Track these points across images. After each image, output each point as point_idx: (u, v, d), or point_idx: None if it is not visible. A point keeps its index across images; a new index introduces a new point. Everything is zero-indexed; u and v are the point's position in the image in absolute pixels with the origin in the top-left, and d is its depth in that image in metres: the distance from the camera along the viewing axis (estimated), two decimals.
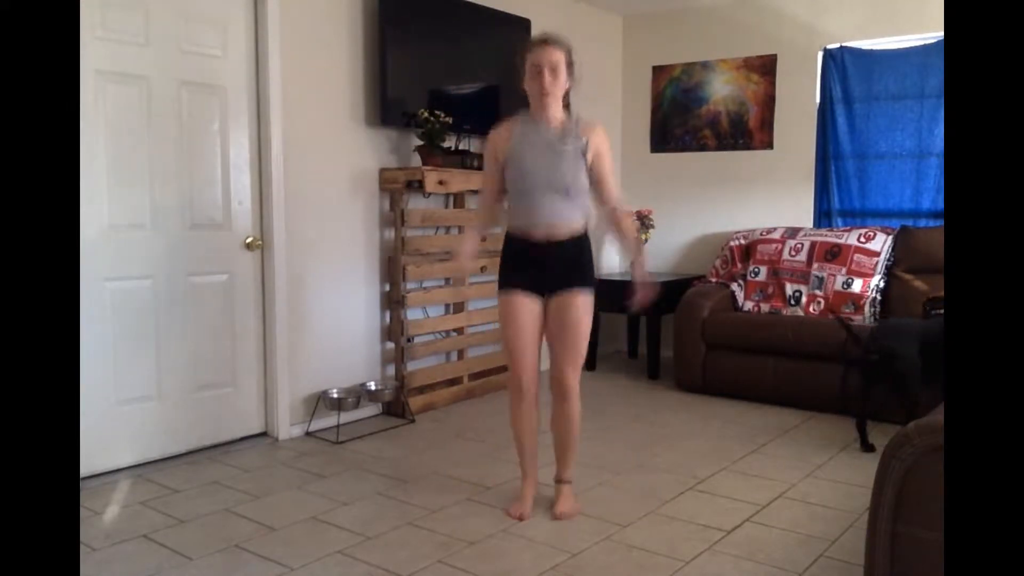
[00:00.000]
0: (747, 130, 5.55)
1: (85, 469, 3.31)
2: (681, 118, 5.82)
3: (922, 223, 4.93)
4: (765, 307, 4.89)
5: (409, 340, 4.38)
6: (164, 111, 3.50)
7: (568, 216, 2.79)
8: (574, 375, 2.88)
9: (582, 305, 2.82)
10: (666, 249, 5.91)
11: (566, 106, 2.85)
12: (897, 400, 3.67)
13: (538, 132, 2.79)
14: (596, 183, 2.85)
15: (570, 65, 2.77)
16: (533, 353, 2.91)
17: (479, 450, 3.76)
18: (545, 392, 3.05)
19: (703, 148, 5.74)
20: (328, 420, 4.08)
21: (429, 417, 4.34)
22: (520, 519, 2.93)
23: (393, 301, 4.34)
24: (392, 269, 4.32)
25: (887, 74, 4.98)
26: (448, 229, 4.61)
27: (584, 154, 2.77)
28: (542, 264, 2.82)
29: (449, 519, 2.95)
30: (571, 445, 2.96)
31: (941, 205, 4.85)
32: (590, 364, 5.50)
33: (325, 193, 4.07)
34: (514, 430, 3.01)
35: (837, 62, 5.14)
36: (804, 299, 4.78)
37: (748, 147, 5.56)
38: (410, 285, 4.37)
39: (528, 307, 2.85)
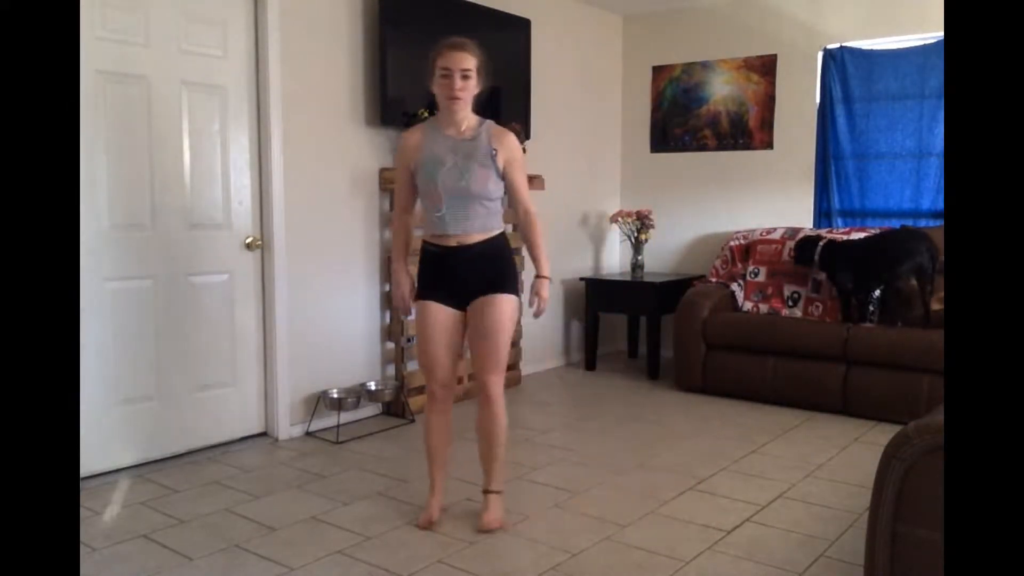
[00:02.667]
0: (747, 130, 5.55)
1: (85, 469, 3.31)
2: (681, 118, 5.82)
3: (922, 223, 4.93)
4: (764, 308, 4.89)
5: (409, 340, 4.38)
6: (164, 111, 3.50)
7: (480, 223, 2.75)
8: (495, 380, 2.81)
9: (500, 310, 2.77)
10: (666, 249, 5.91)
11: (476, 111, 2.81)
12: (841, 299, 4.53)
13: (447, 138, 2.75)
14: (508, 190, 2.81)
15: (480, 70, 2.71)
16: (445, 362, 2.85)
17: (478, 450, 3.76)
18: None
19: (703, 148, 5.74)
20: (328, 420, 4.08)
21: None
22: (426, 526, 2.86)
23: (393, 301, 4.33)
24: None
25: (887, 74, 4.98)
26: None
27: (493, 159, 2.73)
28: (456, 271, 2.78)
29: (449, 519, 2.95)
30: (496, 453, 2.87)
31: (941, 205, 4.85)
32: (590, 364, 5.50)
33: (325, 193, 4.07)
34: (425, 440, 2.94)
35: (837, 62, 5.14)
36: (802, 300, 4.78)
37: (748, 147, 5.56)
38: None
39: (441, 316, 2.80)
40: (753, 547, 2.75)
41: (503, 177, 2.77)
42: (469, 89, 2.70)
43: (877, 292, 4.44)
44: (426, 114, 4.18)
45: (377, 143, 4.30)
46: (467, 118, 2.76)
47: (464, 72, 2.66)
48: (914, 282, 4.37)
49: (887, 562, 1.85)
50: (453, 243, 2.76)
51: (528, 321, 5.22)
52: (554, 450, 3.78)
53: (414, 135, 2.83)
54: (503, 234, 2.85)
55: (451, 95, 2.67)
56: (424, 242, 2.86)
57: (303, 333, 4.03)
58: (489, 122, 2.81)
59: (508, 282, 2.82)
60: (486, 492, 2.91)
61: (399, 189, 2.90)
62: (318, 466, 3.56)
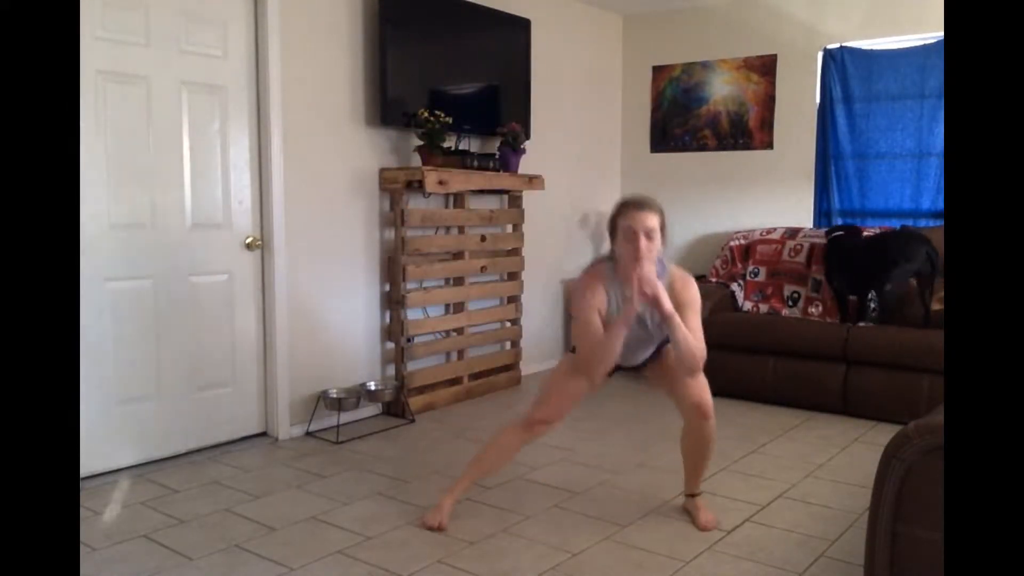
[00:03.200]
0: (747, 130, 5.55)
1: (85, 469, 3.31)
2: (681, 118, 5.82)
3: (922, 223, 4.93)
4: (764, 307, 4.89)
5: (409, 340, 4.38)
6: (164, 111, 3.50)
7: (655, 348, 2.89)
8: (710, 401, 2.89)
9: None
10: (666, 249, 5.89)
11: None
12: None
13: (629, 302, 2.66)
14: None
15: (664, 228, 2.69)
16: (571, 409, 2.97)
17: (478, 450, 3.76)
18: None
19: (703, 148, 5.74)
20: (328, 420, 4.08)
21: (429, 417, 4.34)
22: (437, 528, 2.87)
23: (393, 301, 4.34)
24: (392, 269, 4.32)
25: (887, 74, 4.98)
26: (448, 229, 4.61)
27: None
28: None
29: (449, 519, 2.95)
30: (707, 463, 3.01)
31: (941, 205, 4.85)
32: None
33: (325, 193, 4.07)
34: (491, 453, 2.95)
35: (837, 62, 5.14)
36: (802, 300, 4.78)
37: (748, 147, 5.56)
38: (410, 285, 4.37)
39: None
40: (753, 547, 2.75)
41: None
42: (654, 249, 2.64)
43: (872, 294, 4.46)
44: (426, 114, 4.19)
45: (377, 143, 4.30)
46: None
47: (649, 232, 2.62)
48: (914, 282, 4.38)
49: (887, 562, 1.85)
50: (631, 365, 2.90)
51: (528, 321, 5.22)
52: (554, 450, 3.78)
53: (597, 286, 2.74)
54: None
55: (637, 255, 2.60)
56: None
57: (303, 333, 4.03)
58: (670, 268, 2.76)
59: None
60: (695, 495, 3.00)
61: (595, 332, 2.71)
62: (318, 466, 3.56)
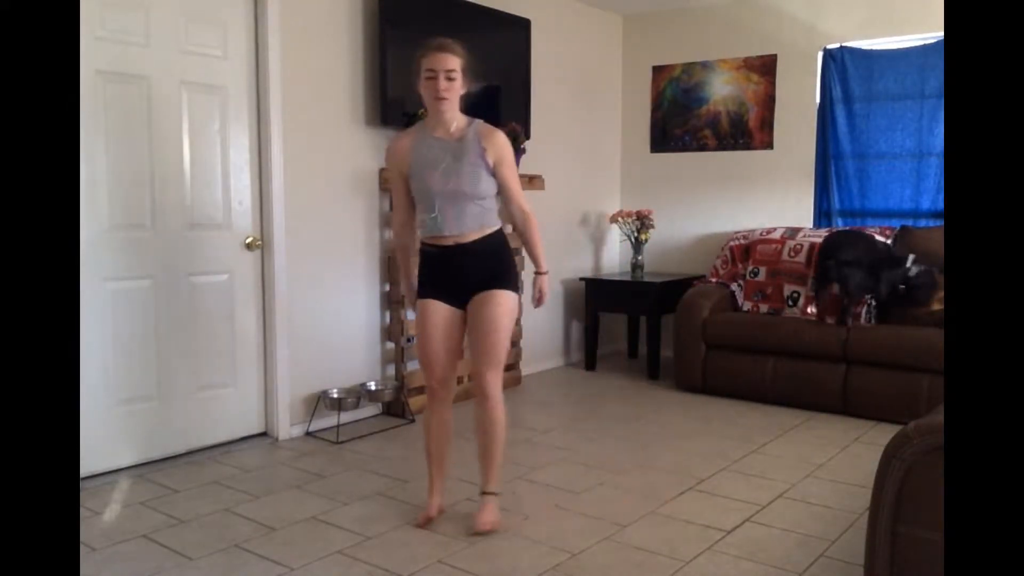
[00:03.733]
0: (747, 130, 5.55)
1: (85, 469, 3.31)
2: (681, 118, 5.82)
3: (922, 223, 4.93)
4: (764, 307, 4.89)
5: (409, 340, 4.38)
6: (164, 111, 3.50)
7: (476, 221, 2.76)
8: (492, 376, 2.81)
9: (499, 305, 2.77)
10: (666, 249, 5.91)
11: (464, 111, 2.81)
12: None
13: (436, 140, 2.75)
14: (501, 189, 2.81)
15: (465, 71, 2.71)
16: (444, 360, 2.86)
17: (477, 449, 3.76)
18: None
19: (703, 148, 5.75)
20: (328, 420, 4.08)
21: None
22: (424, 525, 2.87)
23: (393, 301, 4.34)
24: (392, 269, 4.32)
25: (887, 74, 4.98)
26: None
27: (483, 158, 2.73)
28: (456, 270, 2.79)
29: (449, 519, 2.95)
30: (493, 452, 2.86)
31: (941, 205, 4.85)
32: (590, 364, 5.50)
33: (325, 193, 4.07)
34: (424, 438, 2.95)
35: (837, 62, 5.14)
36: (802, 300, 4.78)
37: (748, 147, 5.56)
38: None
39: (440, 314, 2.82)
40: (753, 547, 2.75)
41: (494, 176, 2.77)
42: (455, 90, 2.69)
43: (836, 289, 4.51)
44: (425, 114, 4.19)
45: (377, 143, 4.30)
46: (455, 119, 2.76)
47: (448, 73, 2.66)
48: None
49: (887, 562, 1.85)
50: (450, 243, 2.77)
51: (528, 321, 5.22)
52: (554, 450, 3.78)
53: (403, 140, 2.83)
54: (500, 231, 2.86)
55: (437, 95, 2.67)
56: (422, 243, 2.86)
57: (303, 333, 4.03)
58: (478, 121, 2.81)
59: (507, 278, 2.83)
60: (483, 493, 2.90)
61: (397, 196, 2.90)
62: (318, 466, 3.56)
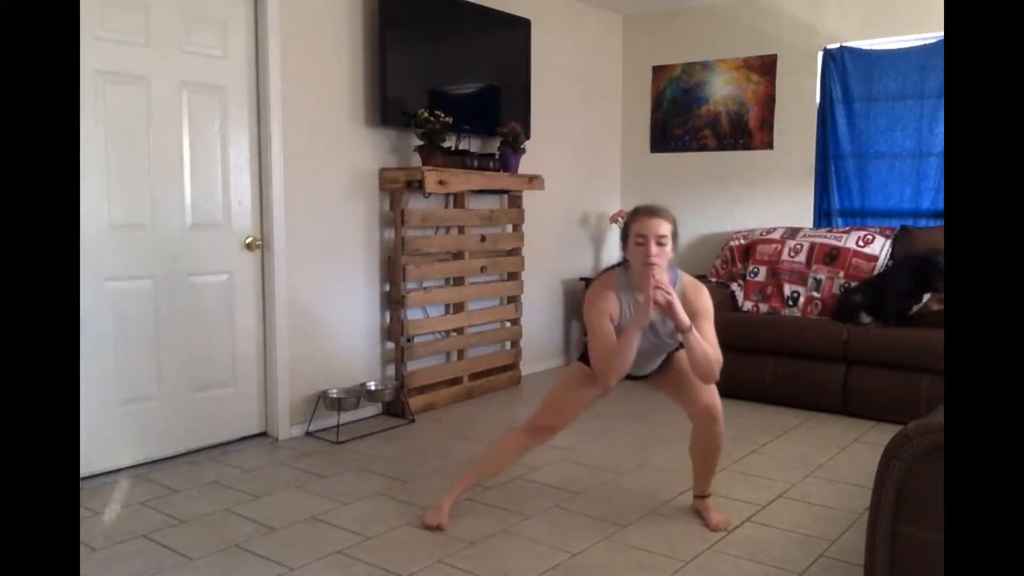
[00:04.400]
0: (747, 130, 5.55)
1: (85, 469, 3.31)
2: (681, 118, 5.82)
3: (922, 223, 4.93)
4: (764, 307, 4.89)
5: (409, 340, 4.38)
6: (164, 111, 3.50)
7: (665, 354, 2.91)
8: (719, 402, 2.88)
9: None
10: (676, 256, 5.90)
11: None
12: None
13: (642, 309, 2.67)
14: None
15: (675, 236, 2.70)
16: (576, 415, 3.01)
17: (479, 450, 3.76)
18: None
19: (703, 148, 5.74)
20: (328, 420, 4.08)
21: (429, 417, 4.34)
22: (436, 527, 2.88)
23: (393, 301, 4.34)
24: (392, 269, 4.32)
25: (887, 74, 4.98)
26: (448, 229, 4.61)
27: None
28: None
29: (449, 519, 2.95)
30: (716, 465, 3.02)
31: (941, 205, 4.85)
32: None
33: (325, 193, 4.07)
34: (495, 454, 2.97)
35: (837, 62, 5.14)
36: (802, 300, 4.78)
37: (748, 147, 5.56)
38: (410, 285, 4.37)
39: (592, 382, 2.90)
40: (753, 547, 2.75)
41: None
42: (665, 255, 2.65)
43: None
44: (426, 114, 4.19)
45: (377, 143, 4.30)
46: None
47: (660, 239, 2.63)
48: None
49: (887, 562, 1.85)
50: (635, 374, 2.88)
51: (528, 321, 5.22)
52: (554, 450, 3.78)
53: (608, 294, 2.74)
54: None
55: (647, 262, 2.62)
56: None
57: (303, 333, 4.03)
58: (682, 278, 2.77)
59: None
60: (705, 496, 3.00)
61: (606, 337, 2.71)
62: (318, 466, 3.56)
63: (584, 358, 2.88)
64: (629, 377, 2.84)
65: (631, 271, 2.74)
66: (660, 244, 2.63)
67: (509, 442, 2.95)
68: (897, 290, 4.39)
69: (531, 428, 2.92)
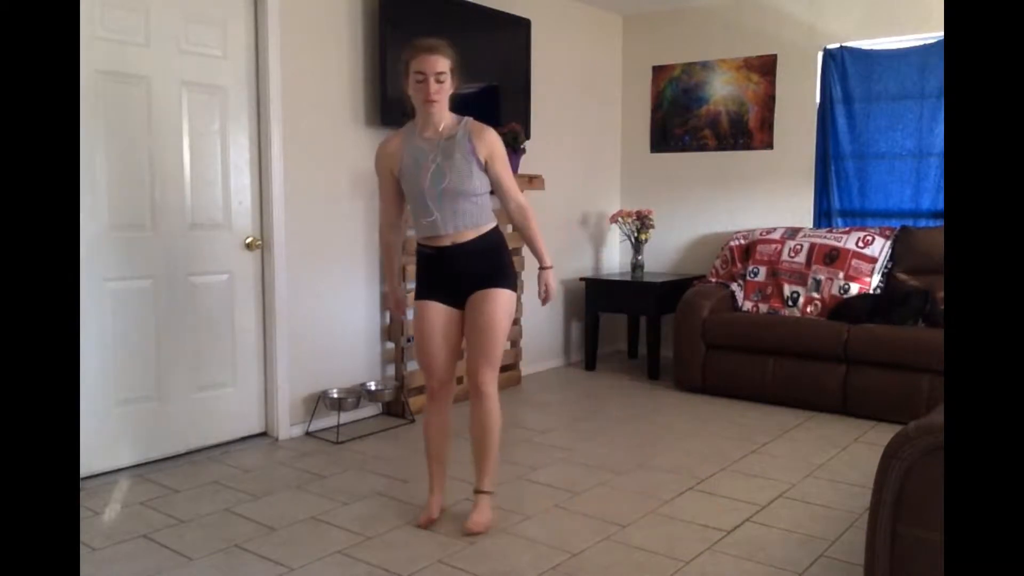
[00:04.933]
0: (747, 130, 5.55)
1: (85, 469, 3.31)
2: (681, 118, 5.82)
3: (922, 223, 4.93)
4: (763, 307, 4.89)
5: (409, 340, 4.38)
6: (164, 111, 3.50)
7: (471, 219, 2.75)
8: (488, 374, 2.80)
9: (494, 303, 2.77)
10: (666, 249, 5.91)
11: (464, 112, 2.80)
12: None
13: (426, 140, 2.73)
14: (494, 185, 2.81)
15: (454, 71, 2.69)
16: (442, 359, 2.86)
17: (471, 448, 3.76)
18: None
19: (703, 148, 5.74)
20: (328, 420, 4.08)
21: None
22: (426, 525, 2.87)
23: None
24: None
25: (887, 74, 4.98)
26: None
27: (475, 155, 2.71)
28: (451, 270, 2.79)
29: (449, 519, 2.95)
30: (488, 451, 2.86)
31: (941, 205, 4.85)
32: (590, 364, 5.50)
33: (325, 193, 4.07)
34: (424, 438, 2.95)
35: (837, 62, 5.14)
36: (802, 300, 4.78)
37: (748, 147, 5.56)
38: (410, 285, 4.36)
39: (438, 314, 2.81)
40: (753, 547, 2.75)
41: (487, 172, 2.76)
42: (444, 91, 2.67)
43: None
44: None
45: (377, 143, 4.28)
46: (444, 118, 2.74)
47: (438, 76, 2.63)
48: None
49: (887, 562, 1.85)
50: (447, 242, 2.77)
51: (528, 321, 5.22)
52: (554, 450, 3.78)
53: (392, 141, 2.81)
54: (496, 228, 2.85)
55: (427, 98, 2.64)
56: (418, 244, 2.86)
57: (303, 333, 4.03)
58: (467, 119, 2.79)
59: (504, 277, 2.82)
60: (477, 492, 2.90)
61: (385, 198, 2.88)
62: (318, 466, 3.56)
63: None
64: (436, 250, 2.79)
65: (416, 112, 2.76)
66: (439, 81, 2.63)
67: (427, 418, 2.94)
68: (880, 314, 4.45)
69: (427, 394, 2.94)
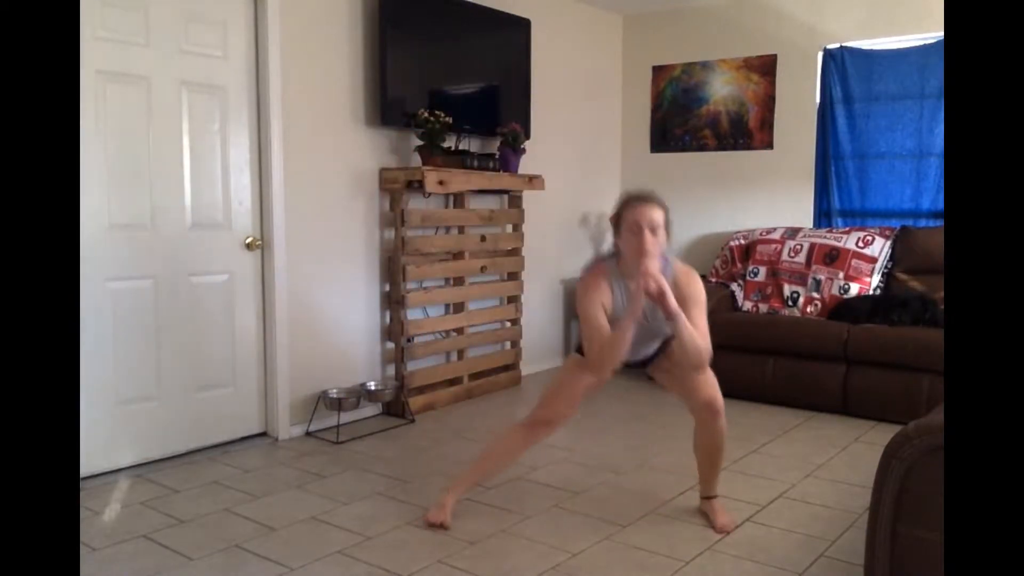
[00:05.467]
0: (747, 130, 5.55)
1: (85, 469, 3.31)
2: (681, 118, 5.82)
3: (922, 223, 4.93)
4: (763, 307, 4.89)
5: (409, 340, 4.38)
6: (164, 111, 3.50)
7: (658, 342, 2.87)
8: (720, 396, 2.85)
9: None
10: (670, 245, 5.90)
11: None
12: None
13: (635, 299, 2.64)
14: None
15: (667, 224, 2.68)
16: (577, 406, 2.96)
17: (479, 450, 3.76)
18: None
19: (703, 148, 5.75)
20: (328, 420, 4.08)
21: (429, 417, 4.34)
22: (438, 525, 2.88)
23: (393, 301, 4.34)
24: (392, 269, 4.32)
25: (887, 74, 4.98)
26: (448, 229, 4.61)
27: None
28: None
29: (451, 518, 2.95)
30: (720, 461, 2.99)
31: (941, 205, 4.85)
32: None
33: (325, 193, 4.07)
34: (498, 450, 2.96)
35: (837, 62, 5.14)
36: (802, 300, 4.78)
37: (748, 147, 5.56)
38: (410, 285, 4.37)
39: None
40: (753, 547, 2.75)
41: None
42: (658, 244, 2.63)
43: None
44: (426, 114, 4.19)
45: (377, 143, 4.30)
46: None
47: (653, 227, 2.61)
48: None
49: (887, 562, 1.85)
50: (630, 360, 2.83)
51: (528, 321, 5.22)
52: (554, 450, 3.78)
53: (601, 280, 2.74)
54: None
55: (641, 250, 2.60)
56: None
57: (303, 333, 4.03)
58: (673, 264, 2.74)
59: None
60: (710, 498, 2.98)
61: (601, 328, 2.68)
62: (318, 466, 3.56)
63: (581, 350, 2.87)
64: (626, 365, 2.81)
65: (623, 260, 2.72)
66: (653, 233, 2.61)
67: (510, 439, 2.94)
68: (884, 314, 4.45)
69: (531, 423, 2.92)
